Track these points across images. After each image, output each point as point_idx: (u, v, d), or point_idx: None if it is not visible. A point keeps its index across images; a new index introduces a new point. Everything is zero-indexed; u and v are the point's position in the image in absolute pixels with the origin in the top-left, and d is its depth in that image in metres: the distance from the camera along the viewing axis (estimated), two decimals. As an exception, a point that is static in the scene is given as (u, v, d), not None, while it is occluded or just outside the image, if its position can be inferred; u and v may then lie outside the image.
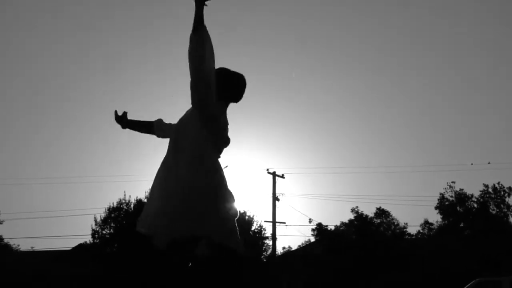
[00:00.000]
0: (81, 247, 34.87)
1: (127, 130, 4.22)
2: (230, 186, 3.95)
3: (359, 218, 35.19)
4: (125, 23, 63.79)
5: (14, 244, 39.07)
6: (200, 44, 3.56)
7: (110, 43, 63.91)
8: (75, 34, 61.92)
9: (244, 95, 4.04)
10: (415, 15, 61.12)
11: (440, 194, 36.67)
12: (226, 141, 3.90)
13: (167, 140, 4.04)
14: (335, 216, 54.75)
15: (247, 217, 32.13)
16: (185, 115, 3.92)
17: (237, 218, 3.88)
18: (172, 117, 4.16)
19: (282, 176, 35.49)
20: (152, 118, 4.32)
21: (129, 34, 64.47)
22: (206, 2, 3.60)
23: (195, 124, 3.77)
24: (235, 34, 63.57)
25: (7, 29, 61.45)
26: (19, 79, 62.73)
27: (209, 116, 3.74)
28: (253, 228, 32.57)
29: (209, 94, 3.68)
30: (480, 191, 36.27)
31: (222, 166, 3.91)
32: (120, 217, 31.39)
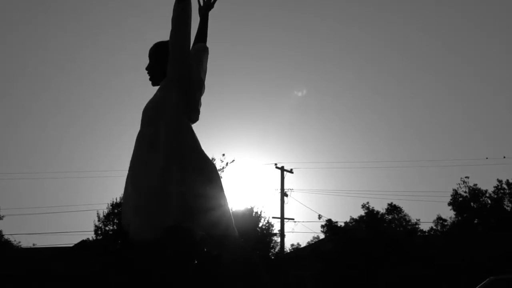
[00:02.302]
0: (83, 243, 34.46)
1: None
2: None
3: (370, 214, 34.42)
4: (128, 23, 63.14)
5: (14, 240, 38.65)
6: (188, 15, 3.43)
7: (116, 38, 63.29)
8: (81, 28, 61.31)
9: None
10: (426, 4, 60.09)
11: (453, 189, 36.08)
12: (197, 110, 3.66)
13: None
14: (345, 212, 53.89)
15: (254, 213, 31.30)
16: (153, 97, 3.63)
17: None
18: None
19: (291, 171, 34.64)
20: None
21: (133, 30, 63.84)
22: None
23: (171, 98, 3.50)
24: (242, 31, 62.87)
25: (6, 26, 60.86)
26: (27, 73, 62.20)
27: (189, 84, 3.54)
28: (260, 224, 31.69)
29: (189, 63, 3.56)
30: (495, 186, 35.68)
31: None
32: (124, 212, 30.85)
